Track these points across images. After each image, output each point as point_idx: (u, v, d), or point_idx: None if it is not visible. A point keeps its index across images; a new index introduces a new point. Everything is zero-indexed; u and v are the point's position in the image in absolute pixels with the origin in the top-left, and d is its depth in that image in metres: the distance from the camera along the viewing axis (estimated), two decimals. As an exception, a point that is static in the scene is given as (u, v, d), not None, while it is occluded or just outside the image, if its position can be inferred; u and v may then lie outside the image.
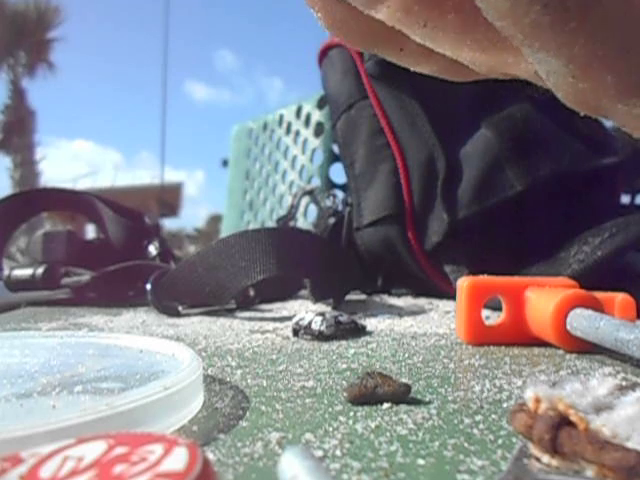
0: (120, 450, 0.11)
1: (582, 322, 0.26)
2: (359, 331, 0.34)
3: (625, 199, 0.57)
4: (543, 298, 0.29)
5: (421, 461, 0.15)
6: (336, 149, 0.77)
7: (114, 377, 0.21)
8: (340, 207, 0.60)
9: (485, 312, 0.32)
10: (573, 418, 0.13)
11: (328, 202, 0.62)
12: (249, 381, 0.23)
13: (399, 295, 0.57)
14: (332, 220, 0.59)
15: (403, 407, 0.19)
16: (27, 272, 0.53)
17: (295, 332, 0.33)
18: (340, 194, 0.68)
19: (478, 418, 0.18)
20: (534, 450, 0.13)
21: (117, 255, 0.57)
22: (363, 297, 0.56)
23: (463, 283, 0.31)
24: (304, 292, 0.55)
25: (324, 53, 0.59)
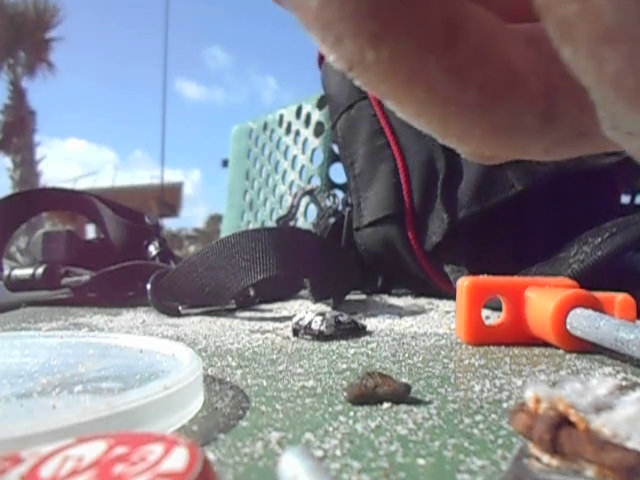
0: (120, 450, 0.11)
1: (582, 322, 0.26)
2: (359, 331, 0.34)
3: (625, 199, 0.57)
4: (543, 298, 0.29)
5: (421, 461, 0.15)
6: (336, 149, 0.77)
7: (114, 377, 0.21)
8: (340, 207, 0.60)
9: (485, 312, 0.32)
10: (573, 418, 0.13)
11: (328, 202, 0.62)
12: (249, 381, 0.23)
13: (399, 295, 0.57)
14: (332, 220, 0.59)
15: (403, 407, 0.19)
16: (27, 272, 0.53)
17: (295, 332, 0.33)
18: (340, 194, 0.68)
19: (478, 418, 0.18)
20: (534, 450, 0.13)
21: (117, 255, 0.57)
22: (363, 297, 0.56)
23: (463, 283, 0.31)
24: (304, 292, 0.55)
25: (324, 53, 0.58)
